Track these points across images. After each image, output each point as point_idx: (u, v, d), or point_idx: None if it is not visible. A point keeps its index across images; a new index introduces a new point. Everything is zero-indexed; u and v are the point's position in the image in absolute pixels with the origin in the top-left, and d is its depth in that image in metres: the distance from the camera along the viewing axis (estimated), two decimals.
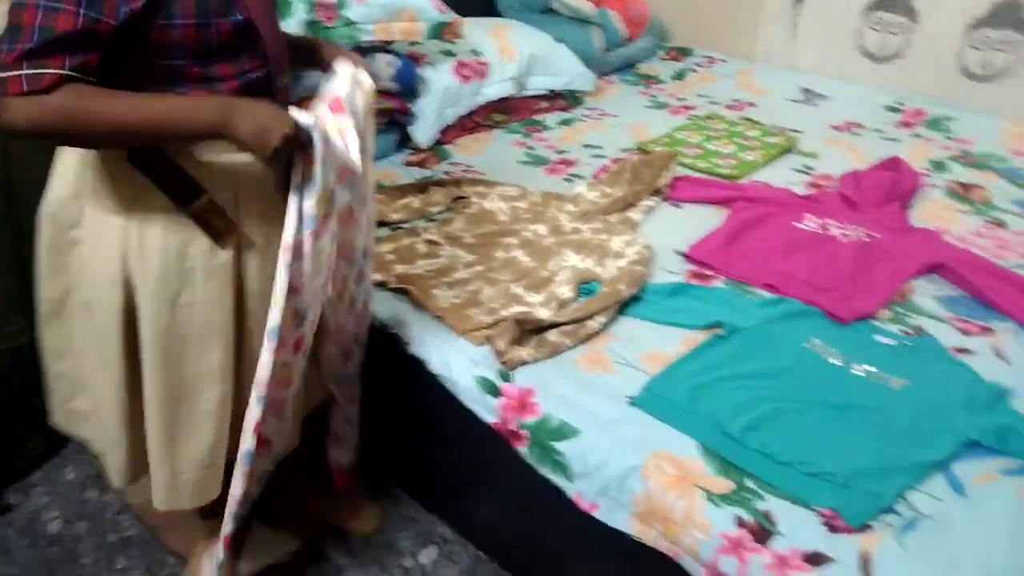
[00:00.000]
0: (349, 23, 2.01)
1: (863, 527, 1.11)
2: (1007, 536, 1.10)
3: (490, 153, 2.33)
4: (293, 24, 1.91)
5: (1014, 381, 1.39)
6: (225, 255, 1.16)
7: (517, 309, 1.60)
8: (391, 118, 2.23)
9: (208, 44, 1.04)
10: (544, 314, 1.57)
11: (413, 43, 2.28)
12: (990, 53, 2.48)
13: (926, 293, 1.66)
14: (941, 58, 2.57)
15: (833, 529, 1.11)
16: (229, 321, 1.19)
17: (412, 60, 2.25)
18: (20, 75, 0.90)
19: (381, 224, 1.90)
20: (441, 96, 2.27)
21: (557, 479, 1.32)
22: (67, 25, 0.91)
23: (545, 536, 1.53)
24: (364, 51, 2.10)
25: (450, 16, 2.19)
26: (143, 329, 1.16)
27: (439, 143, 2.33)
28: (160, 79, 1.04)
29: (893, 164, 2.11)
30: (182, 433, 1.23)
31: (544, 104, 2.61)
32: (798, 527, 1.11)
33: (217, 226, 1.14)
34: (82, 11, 0.92)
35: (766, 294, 1.64)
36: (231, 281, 1.18)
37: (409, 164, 2.23)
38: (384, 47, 2.16)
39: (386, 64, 2.13)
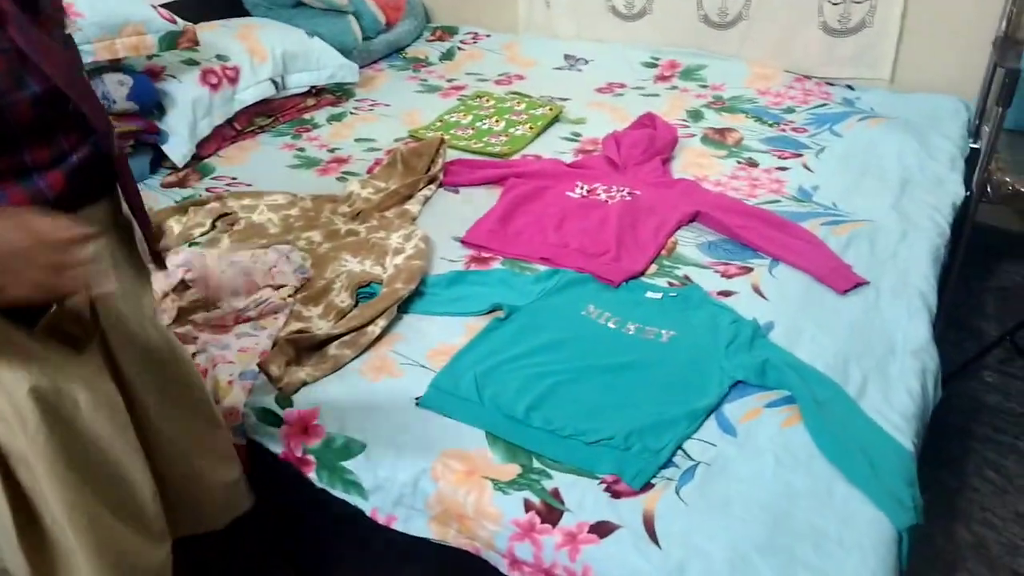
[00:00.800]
0: None
1: (645, 487, 1.14)
2: (774, 465, 1.17)
3: (256, 160, 2.22)
4: None
5: (772, 315, 1.48)
6: (99, 375, 0.97)
7: (295, 326, 1.53)
8: (137, 139, 2.06)
9: (6, 130, 0.84)
10: (321, 327, 1.51)
11: (150, 56, 2.11)
12: (724, 1, 2.62)
13: (689, 243, 1.74)
14: (683, 9, 2.69)
15: (616, 495, 1.13)
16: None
17: (149, 75, 2.08)
18: None
19: None
20: (191, 108, 2.12)
21: (352, 498, 1.28)
22: None
23: (362, 556, 1.48)
24: (90, 73, 1.91)
25: (180, 25, 2.03)
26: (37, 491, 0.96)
27: (198, 158, 2.19)
28: None
29: (648, 120, 2.19)
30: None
31: (311, 101, 2.52)
32: (583, 499, 1.13)
33: (77, 333, 0.94)
34: None
35: (542, 268, 1.66)
36: (115, 392, 1.01)
37: (167, 186, 2.08)
38: (114, 66, 1.98)
39: (118, 84, 1.95)
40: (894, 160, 2.02)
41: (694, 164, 2.08)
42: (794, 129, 2.24)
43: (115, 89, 1.94)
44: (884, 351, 1.38)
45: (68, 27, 0.98)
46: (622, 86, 2.60)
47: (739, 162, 2.09)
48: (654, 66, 2.69)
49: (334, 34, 2.60)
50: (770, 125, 2.28)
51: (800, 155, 2.10)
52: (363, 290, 1.63)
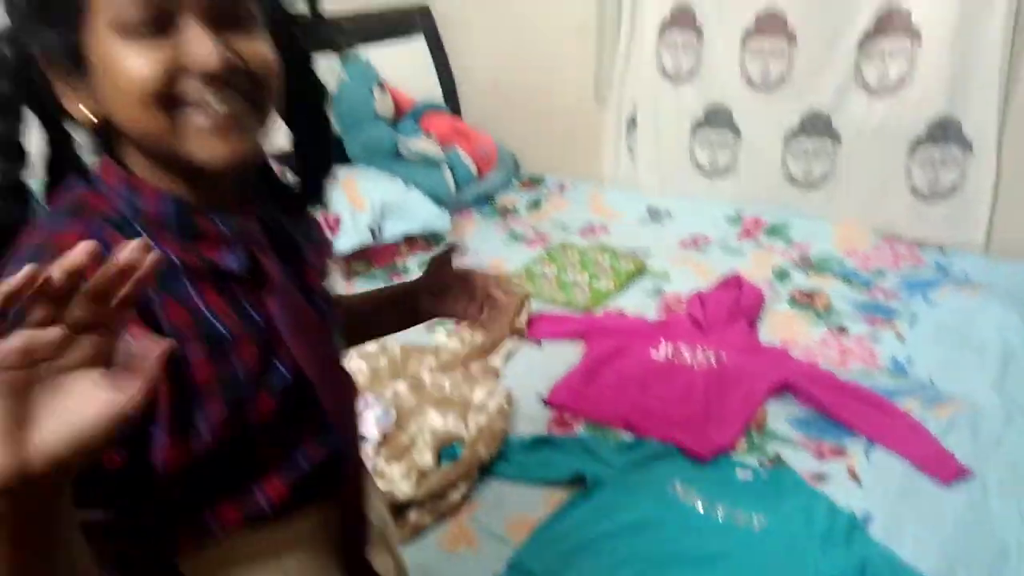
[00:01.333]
0: None
1: None
2: None
3: None
4: None
5: (869, 504, 1.42)
6: None
7: (378, 485, 1.53)
8: None
9: (241, 432, 0.66)
10: (403, 489, 1.51)
11: None
12: (809, 161, 2.66)
13: (780, 416, 1.70)
14: (768, 168, 2.74)
15: None
16: None
17: None
18: None
19: None
20: None
21: None
22: None
23: None
24: None
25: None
26: None
27: None
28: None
29: (734, 281, 2.20)
30: None
31: (404, 248, 2.62)
32: None
33: None
34: None
35: (626, 436, 1.64)
36: None
37: None
38: None
39: None
40: (994, 334, 1.95)
41: (782, 328, 2.06)
42: (885, 294, 2.21)
43: None
44: (995, 557, 1.29)
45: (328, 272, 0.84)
46: (706, 241, 2.63)
47: (829, 328, 2.05)
48: (738, 222, 2.72)
49: (429, 184, 2.73)
50: (860, 289, 2.25)
51: (892, 323, 2.05)
52: (445, 449, 1.63)
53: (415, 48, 3.18)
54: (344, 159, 2.81)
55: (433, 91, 3.21)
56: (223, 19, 0.63)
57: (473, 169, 2.94)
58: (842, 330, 2.04)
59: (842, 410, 1.65)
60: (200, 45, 0.62)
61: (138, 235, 0.63)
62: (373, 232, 2.47)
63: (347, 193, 2.48)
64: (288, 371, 0.69)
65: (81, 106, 0.64)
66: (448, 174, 2.81)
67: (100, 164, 0.68)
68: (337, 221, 2.38)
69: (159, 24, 0.61)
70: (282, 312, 0.70)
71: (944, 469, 1.48)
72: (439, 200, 2.72)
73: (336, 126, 2.77)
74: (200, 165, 0.64)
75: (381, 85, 2.80)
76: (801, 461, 1.55)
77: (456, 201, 2.87)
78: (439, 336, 2.05)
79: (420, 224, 2.60)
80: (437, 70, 3.25)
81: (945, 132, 2.41)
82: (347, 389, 0.79)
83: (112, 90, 0.62)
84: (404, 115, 2.93)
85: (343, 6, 2.96)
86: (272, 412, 0.68)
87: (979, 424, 1.62)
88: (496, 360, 1.95)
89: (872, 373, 1.84)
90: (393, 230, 2.55)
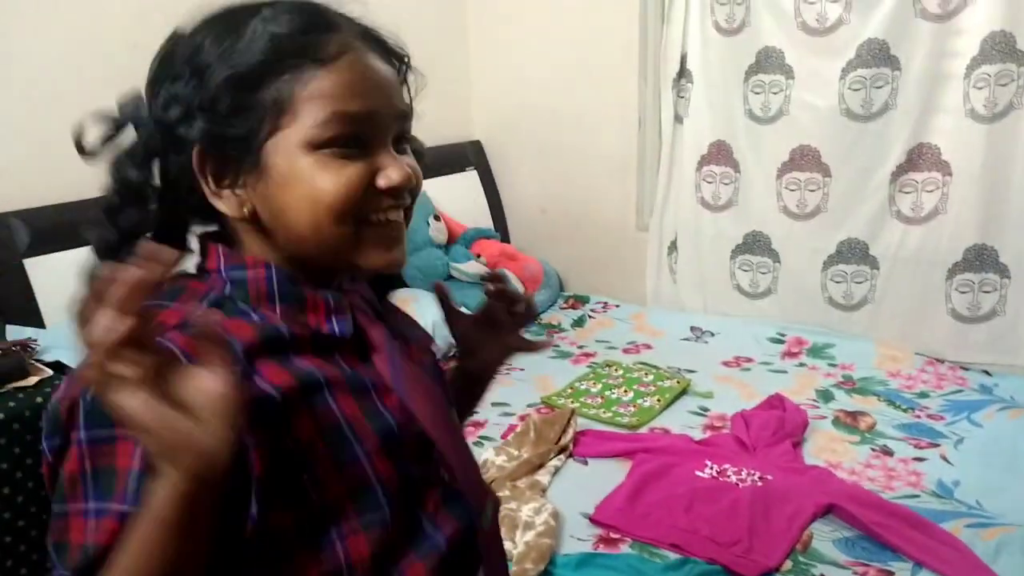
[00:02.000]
0: None
1: None
2: None
3: None
4: None
5: None
6: None
7: None
8: None
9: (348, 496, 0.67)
10: None
11: None
12: (849, 284, 2.73)
13: (825, 537, 1.70)
14: (808, 291, 2.81)
15: None
16: None
17: None
18: None
19: None
20: None
21: None
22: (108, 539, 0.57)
23: None
24: None
25: None
26: None
27: None
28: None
29: (777, 402, 2.23)
30: None
31: (453, 363, 2.71)
32: None
33: None
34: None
35: (672, 555, 1.66)
36: None
37: None
38: None
39: None
40: None
41: (826, 449, 2.08)
42: (929, 416, 2.22)
43: None
44: None
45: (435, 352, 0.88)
46: (749, 360, 2.68)
47: (873, 449, 2.07)
48: (781, 342, 2.77)
49: (478, 304, 2.84)
50: (904, 410, 2.27)
51: (938, 445, 2.06)
52: None
53: (468, 179, 3.39)
54: (401, 282, 2.97)
55: (483, 218, 3.40)
56: (396, 142, 0.71)
57: (521, 289, 3.06)
58: (887, 452, 2.05)
59: (888, 532, 1.66)
60: (393, 165, 0.68)
61: (240, 312, 0.67)
62: None
63: None
64: (392, 416, 0.69)
65: (235, 203, 0.68)
66: None
67: (208, 250, 0.71)
68: None
69: (353, 146, 0.67)
70: (392, 369, 0.71)
71: None
72: None
73: None
74: (367, 271, 0.71)
75: (436, 215, 2.99)
76: None
77: None
78: (487, 452, 2.11)
79: None
80: (487, 199, 3.45)
81: (981, 259, 2.48)
82: (469, 452, 0.79)
83: (301, 201, 0.66)
84: (456, 240, 3.10)
85: None
86: (384, 463, 0.67)
87: None
88: (543, 477, 2.00)
89: (918, 496, 1.84)
90: (443, 347, 2.66)
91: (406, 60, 0.74)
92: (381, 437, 0.68)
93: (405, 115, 0.72)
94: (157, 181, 0.69)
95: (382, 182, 0.68)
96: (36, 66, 2.15)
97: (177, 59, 0.68)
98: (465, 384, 1.02)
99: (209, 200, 0.68)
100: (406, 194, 0.71)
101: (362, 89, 0.67)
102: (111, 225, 0.67)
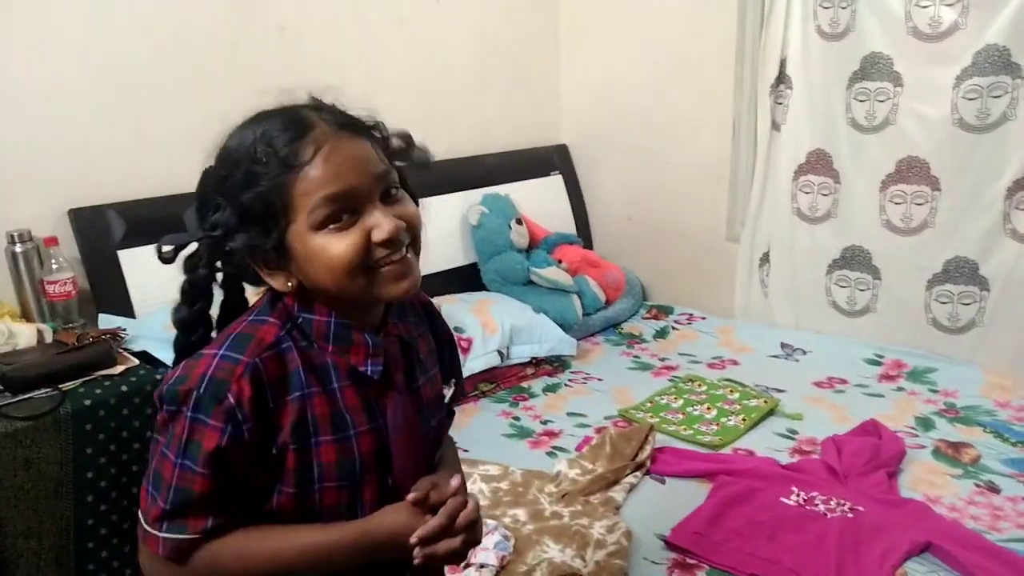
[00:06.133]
0: None
1: None
2: None
3: (475, 426, 2.35)
4: None
5: None
6: None
7: None
8: None
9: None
10: None
11: None
12: (955, 306, 2.55)
13: None
14: (910, 311, 2.65)
15: None
16: None
17: None
18: (159, 537, 0.88)
19: None
20: None
21: None
22: (202, 488, 0.87)
23: None
24: None
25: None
26: None
27: None
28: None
29: (872, 428, 2.10)
30: None
31: (530, 370, 2.67)
32: None
33: None
34: (212, 476, 0.86)
35: None
36: None
37: None
38: None
39: None
40: None
41: (925, 481, 1.94)
42: None
43: None
44: None
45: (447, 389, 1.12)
46: (843, 382, 2.54)
47: (977, 485, 1.92)
48: (878, 364, 2.62)
49: (557, 310, 2.81)
50: (1013, 444, 2.10)
51: None
52: None
53: (553, 184, 3.36)
54: (480, 285, 2.95)
55: (567, 223, 3.36)
56: (384, 197, 0.88)
57: (601, 296, 3.00)
58: (993, 488, 1.90)
59: None
60: (383, 221, 0.86)
61: (292, 344, 0.91)
62: (501, 354, 2.55)
63: (480, 317, 2.59)
64: (360, 459, 0.93)
65: (282, 279, 0.90)
66: (576, 301, 2.89)
67: (275, 304, 0.94)
68: (470, 343, 2.48)
69: (347, 216, 0.86)
70: (394, 412, 0.96)
71: None
72: (567, 326, 2.79)
73: (475, 254, 2.95)
74: (389, 300, 0.93)
75: (519, 219, 2.95)
76: None
77: (583, 327, 2.93)
78: (560, 464, 2.05)
79: (547, 348, 2.67)
80: (572, 204, 3.40)
81: None
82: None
83: (321, 269, 0.87)
84: (538, 245, 3.06)
85: (490, 147, 3.20)
86: (373, 501, 0.94)
87: None
88: (617, 494, 1.93)
89: None
90: (520, 353, 2.62)
91: (379, 126, 0.93)
92: (381, 479, 0.96)
93: (384, 175, 0.89)
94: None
95: (376, 236, 0.86)
96: (132, 63, 2.23)
97: (208, 193, 0.90)
98: None
99: (265, 280, 0.92)
100: (401, 237, 0.88)
101: (338, 172, 0.85)
102: (186, 305, 0.94)
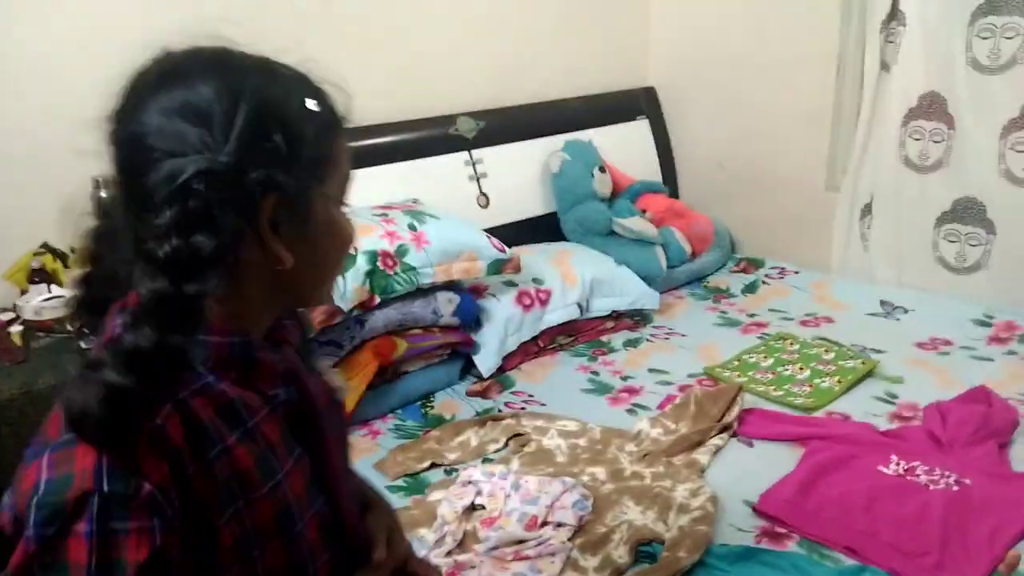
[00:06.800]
0: (409, 268, 2.08)
1: None
2: None
3: (553, 379, 2.29)
4: (352, 275, 1.98)
5: None
6: None
7: None
8: (454, 349, 2.24)
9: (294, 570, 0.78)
10: None
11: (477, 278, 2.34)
12: None
13: None
14: None
15: None
16: None
17: (473, 293, 2.29)
18: None
19: (434, 466, 1.86)
20: (503, 325, 2.29)
21: None
22: None
23: None
24: (425, 290, 2.15)
25: (508, 254, 2.25)
26: None
27: (501, 370, 2.31)
28: None
29: (982, 395, 1.95)
30: None
31: (610, 324, 2.59)
32: None
33: None
34: None
35: (845, 559, 1.48)
36: None
37: (471, 394, 2.21)
38: (445, 284, 2.21)
39: (447, 301, 2.17)
40: None
41: None
42: None
43: (444, 305, 2.16)
44: None
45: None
46: (948, 344, 2.37)
47: None
48: (987, 325, 2.43)
49: (640, 262, 2.70)
50: None
51: None
52: (643, 547, 1.55)
53: (639, 129, 3.22)
54: (560, 235, 2.87)
55: (653, 171, 3.22)
56: None
57: (687, 248, 2.88)
58: None
59: None
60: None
61: (204, 380, 0.71)
62: (580, 307, 2.47)
63: (560, 268, 2.51)
64: (325, 505, 0.82)
65: (288, 253, 0.72)
66: (660, 252, 2.78)
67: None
68: (548, 295, 2.41)
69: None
70: (330, 426, 0.84)
71: None
72: (649, 279, 2.69)
73: (555, 203, 2.86)
74: (319, 303, 0.91)
75: (602, 167, 2.84)
76: None
77: (667, 280, 2.82)
78: (641, 423, 1.98)
79: (628, 302, 2.58)
80: (658, 150, 3.26)
81: None
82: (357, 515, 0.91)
83: (337, 243, 0.80)
84: (621, 194, 2.95)
85: (573, 91, 3.07)
86: (317, 540, 0.79)
87: None
88: (702, 456, 1.85)
89: None
90: (600, 306, 2.54)
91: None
92: (319, 512, 0.81)
93: None
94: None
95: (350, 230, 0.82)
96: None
97: (268, 118, 0.70)
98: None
99: (272, 247, 0.71)
100: None
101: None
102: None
